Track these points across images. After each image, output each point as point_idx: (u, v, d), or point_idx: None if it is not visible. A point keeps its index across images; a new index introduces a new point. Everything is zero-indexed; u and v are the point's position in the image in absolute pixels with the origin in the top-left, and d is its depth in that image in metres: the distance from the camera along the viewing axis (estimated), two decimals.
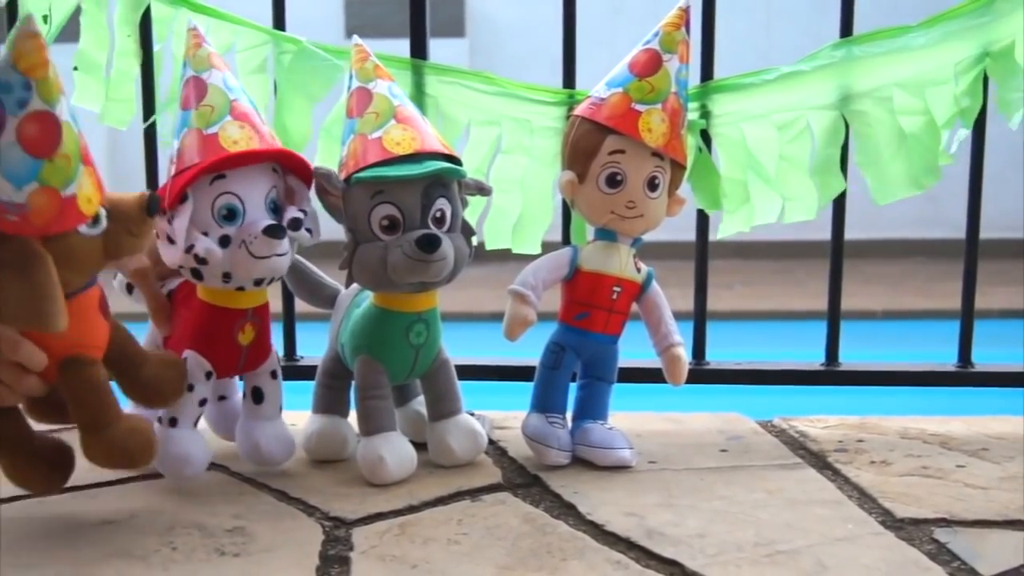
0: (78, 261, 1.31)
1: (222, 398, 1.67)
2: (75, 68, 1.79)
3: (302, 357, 1.91)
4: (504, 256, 1.84)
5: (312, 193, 1.54)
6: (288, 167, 1.52)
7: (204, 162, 1.43)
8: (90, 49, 1.79)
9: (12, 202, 1.22)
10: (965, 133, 1.72)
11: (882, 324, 5.50)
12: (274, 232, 1.45)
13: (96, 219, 1.30)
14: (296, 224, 1.49)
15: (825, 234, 1.83)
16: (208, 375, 1.52)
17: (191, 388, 1.51)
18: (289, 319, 1.89)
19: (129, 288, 1.63)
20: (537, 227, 1.82)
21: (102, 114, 1.82)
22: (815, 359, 1.89)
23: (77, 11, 1.78)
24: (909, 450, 1.70)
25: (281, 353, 1.88)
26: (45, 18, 1.76)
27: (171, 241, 1.45)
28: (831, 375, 1.87)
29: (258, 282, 1.49)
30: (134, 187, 1.43)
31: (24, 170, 1.22)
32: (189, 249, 1.44)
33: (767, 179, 1.74)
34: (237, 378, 1.65)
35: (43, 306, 1.25)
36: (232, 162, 1.45)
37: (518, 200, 1.80)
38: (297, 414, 1.68)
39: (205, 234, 1.45)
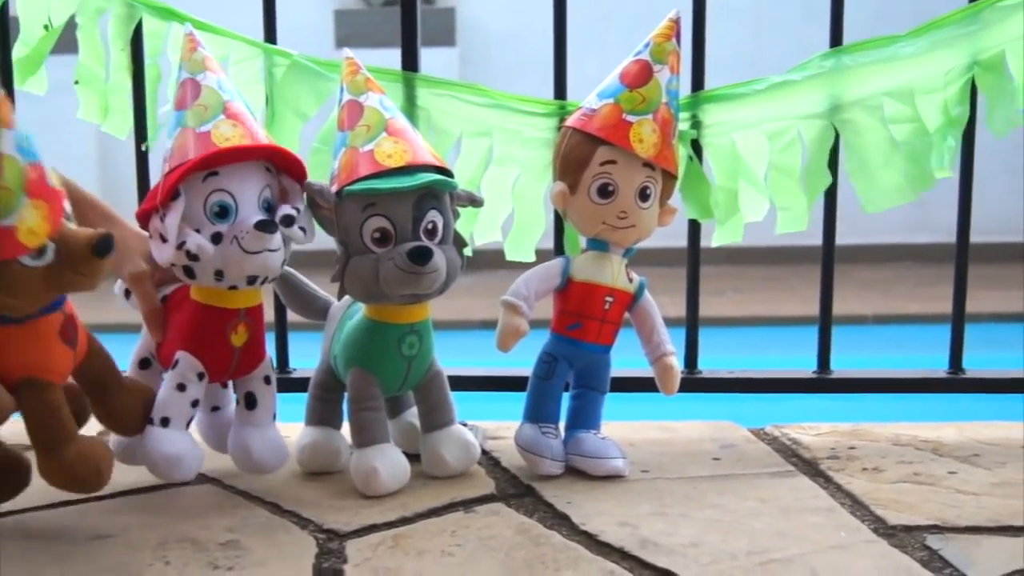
0: (18, 288, 1.33)
1: (215, 409, 1.67)
2: (76, 82, 1.80)
3: (295, 369, 1.91)
4: (496, 264, 1.84)
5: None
6: (281, 166, 1.53)
7: (196, 158, 1.43)
8: (89, 62, 1.80)
9: None
10: (954, 145, 1.73)
11: (873, 329, 5.51)
12: (265, 227, 1.45)
13: (42, 251, 1.31)
14: (289, 220, 1.49)
15: (816, 240, 1.83)
16: (200, 376, 1.52)
17: (183, 388, 1.51)
18: (281, 330, 1.89)
19: (127, 293, 1.64)
20: (530, 235, 1.82)
21: (105, 124, 1.83)
22: (808, 365, 1.90)
23: (74, 24, 1.79)
24: (901, 457, 1.70)
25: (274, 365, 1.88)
26: (46, 27, 1.76)
27: (163, 239, 1.45)
28: (823, 383, 1.87)
29: (251, 281, 1.49)
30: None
31: None
32: (181, 246, 1.44)
33: (757, 186, 1.75)
34: (231, 387, 1.65)
35: None
36: (224, 158, 1.45)
37: (509, 207, 1.81)
38: (290, 426, 1.68)
39: (197, 231, 1.45)
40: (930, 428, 1.85)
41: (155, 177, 1.54)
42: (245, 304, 1.52)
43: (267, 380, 1.60)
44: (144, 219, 1.49)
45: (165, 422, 1.51)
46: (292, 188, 1.53)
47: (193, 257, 1.44)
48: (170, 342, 1.54)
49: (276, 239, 1.47)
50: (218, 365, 1.54)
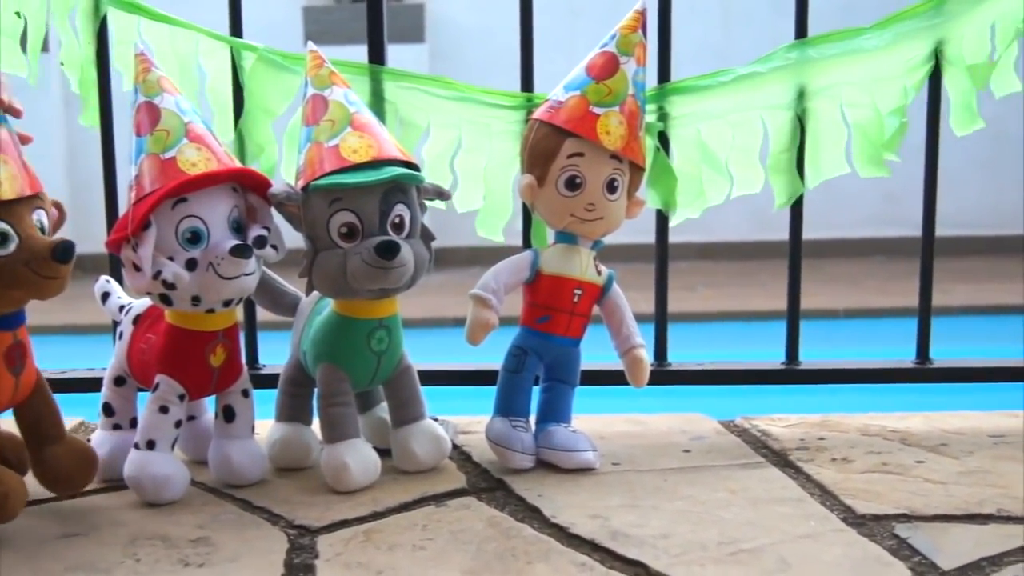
0: None
1: (191, 418, 1.66)
2: (61, 63, 1.80)
3: (264, 366, 1.90)
4: (466, 262, 1.84)
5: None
6: (248, 185, 1.53)
7: (166, 187, 1.43)
8: (68, 50, 1.79)
9: None
10: (900, 126, 1.75)
11: (845, 323, 5.54)
12: (241, 252, 1.45)
13: (4, 239, 1.32)
14: (261, 242, 1.50)
15: (786, 234, 1.84)
16: (181, 397, 1.52)
17: (165, 410, 1.51)
18: (251, 327, 1.89)
19: (104, 296, 1.65)
20: (499, 216, 1.83)
21: (83, 114, 1.83)
22: (779, 358, 1.90)
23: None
24: (870, 447, 1.71)
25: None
26: (18, 14, 1.75)
27: (137, 269, 1.45)
28: (791, 374, 1.88)
29: (227, 303, 1.50)
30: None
31: None
32: (156, 275, 1.44)
33: (718, 167, 1.76)
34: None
35: None
36: (193, 185, 1.45)
37: (480, 190, 1.81)
38: (260, 423, 1.68)
39: (171, 259, 1.45)
40: (898, 418, 1.86)
41: (120, 176, 1.53)
42: (222, 325, 1.52)
43: (245, 393, 1.60)
44: (115, 248, 1.48)
45: (151, 445, 1.50)
46: (260, 206, 1.53)
47: (170, 286, 1.45)
48: (149, 364, 1.54)
49: (251, 263, 1.48)
50: (198, 385, 1.54)
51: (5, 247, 1.32)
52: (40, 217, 1.37)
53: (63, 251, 1.33)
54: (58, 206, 1.44)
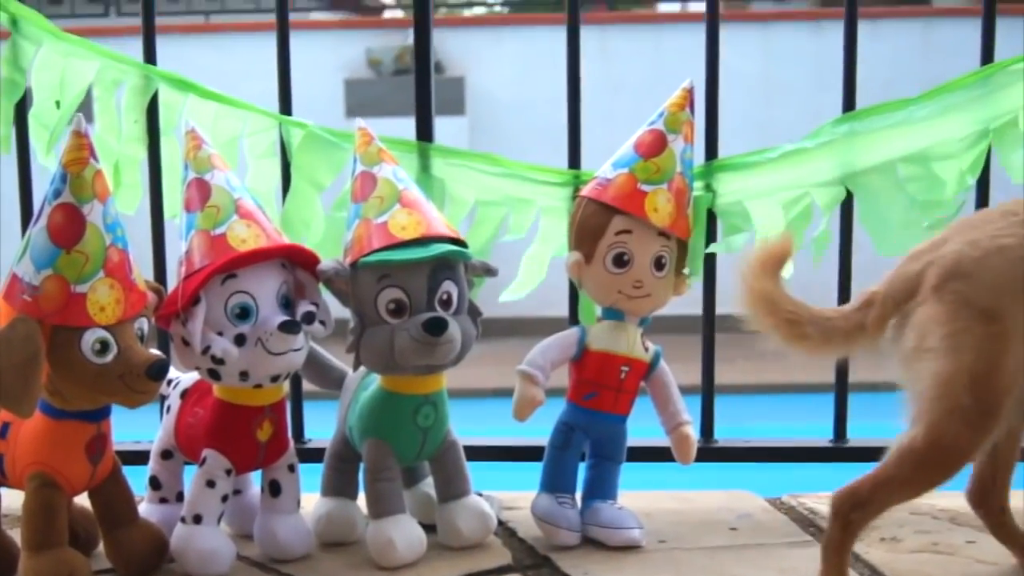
0: (71, 377, 1.36)
1: (236, 492, 1.65)
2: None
3: (310, 440, 1.90)
4: (507, 333, 1.83)
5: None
6: (296, 261, 1.54)
7: (215, 263, 1.45)
8: (104, 134, 1.81)
9: (30, 283, 1.32)
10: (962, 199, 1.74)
11: (886, 396, 5.50)
12: (290, 328, 1.46)
13: (104, 348, 1.35)
14: (310, 318, 1.51)
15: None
16: (228, 471, 1.52)
17: (212, 485, 1.51)
18: (296, 401, 1.88)
19: None
20: (524, 287, 1.82)
21: (115, 198, 1.83)
22: (820, 432, 1.89)
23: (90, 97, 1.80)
24: (919, 526, 1.69)
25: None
26: (57, 103, 1.78)
27: (186, 344, 1.46)
28: (840, 452, 1.86)
29: (275, 378, 1.50)
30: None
31: (45, 255, 1.32)
32: (205, 351, 1.45)
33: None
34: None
35: (17, 387, 1.31)
36: (243, 261, 1.47)
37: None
38: (306, 496, 1.67)
39: (220, 334, 1.46)
40: (947, 497, 1.82)
41: (170, 254, 1.54)
42: (269, 400, 1.53)
43: (291, 468, 1.60)
44: (164, 323, 1.50)
45: (197, 519, 1.51)
46: (308, 282, 1.54)
47: (219, 361, 1.46)
48: (196, 439, 1.55)
49: (299, 339, 1.49)
50: (245, 460, 1.54)
51: (103, 357, 1.35)
52: (141, 324, 1.41)
53: (157, 371, 1.37)
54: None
